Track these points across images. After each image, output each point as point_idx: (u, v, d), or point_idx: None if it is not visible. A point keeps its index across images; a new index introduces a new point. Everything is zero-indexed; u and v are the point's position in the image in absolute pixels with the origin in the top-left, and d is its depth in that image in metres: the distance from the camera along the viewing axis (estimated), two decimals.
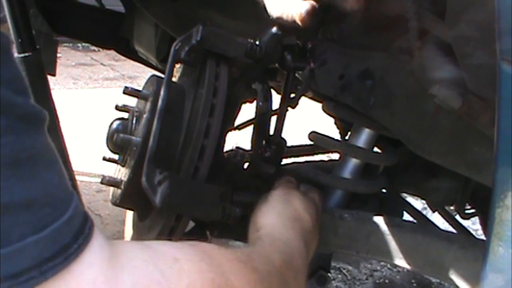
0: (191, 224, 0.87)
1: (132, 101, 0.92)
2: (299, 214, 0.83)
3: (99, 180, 0.85)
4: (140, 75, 4.82)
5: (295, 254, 0.76)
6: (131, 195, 0.83)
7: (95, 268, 0.45)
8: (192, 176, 0.77)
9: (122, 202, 0.85)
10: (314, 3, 0.79)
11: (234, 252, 0.65)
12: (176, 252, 0.54)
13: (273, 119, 0.99)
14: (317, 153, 1.31)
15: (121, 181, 0.85)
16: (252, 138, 0.97)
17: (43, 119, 0.47)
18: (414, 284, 2.40)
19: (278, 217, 0.81)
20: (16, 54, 1.28)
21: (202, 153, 0.77)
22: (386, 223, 0.94)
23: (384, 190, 1.12)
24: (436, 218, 1.31)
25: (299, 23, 0.79)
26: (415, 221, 1.17)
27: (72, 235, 0.45)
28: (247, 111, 1.00)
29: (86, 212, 0.48)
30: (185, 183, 0.76)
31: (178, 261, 0.52)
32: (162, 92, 0.77)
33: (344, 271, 2.39)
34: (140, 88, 0.89)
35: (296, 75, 1.03)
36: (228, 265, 0.59)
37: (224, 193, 0.78)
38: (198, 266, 0.53)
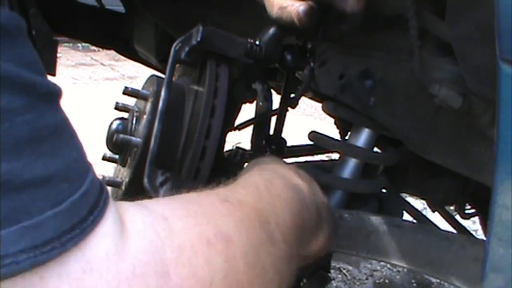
0: None
1: (132, 101, 0.92)
2: (297, 182, 0.77)
3: None
4: (140, 75, 4.82)
5: (291, 182, 0.73)
6: (132, 196, 0.83)
7: (108, 240, 0.47)
8: (194, 177, 0.77)
9: None
10: (313, 4, 0.79)
11: (217, 193, 0.64)
12: (165, 211, 0.54)
13: (273, 119, 0.99)
14: (317, 153, 1.32)
15: (121, 181, 0.85)
16: (252, 138, 0.97)
17: (60, 95, 0.49)
18: (414, 284, 2.40)
19: (257, 171, 0.76)
20: None
21: (203, 154, 0.77)
22: (386, 223, 0.94)
23: (384, 190, 1.12)
24: (436, 218, 1.31)
25: (297, 23, 0.79)
26: (415, 221, 1.17)
27: (88, 208, 0.46)
28: (247, 111, 1.00)
29: (101, 184, 0.50)
30: (186, 184, 0.76)
31: (168, 220, 0.53)
32: (162, 93, 0.77)
33: (344, 271, 2.39)
34: (140, 88, 0.89)
35: (296, 75, 1.03)
36: (214, 212, 0.58)
37: None
38: (185, 223, 0.54)
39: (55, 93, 0.48)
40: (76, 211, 0.45)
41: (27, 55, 0.46)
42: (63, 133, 0.48)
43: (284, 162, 0.82)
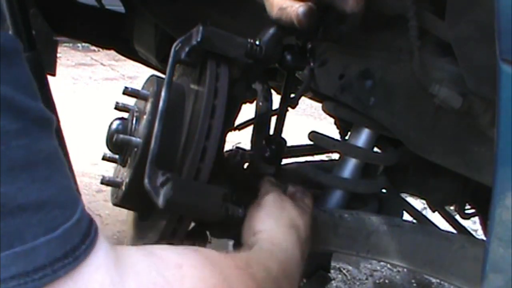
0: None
1: (132, 101, 0.91)
2: (295, 222, 0.83)
3: (99, 180, 0.85)
4: (140, 75, 4.81)
5: (291, 262, 0.77)
6: (132, 196, 0.83)
7: (102, 271, 0.46)
8: (194, 177, 0.77)
9: (123, 202, 0.85)
10: (312, 5, 0.79)
11: (233, 259, 0.66)
12: (179, 259, 0.54)
13: (273, 119, 0.99)
14: (317, 153, 1.31)
15: (122, 181, 0.85)
16: (252, 138, 0.97)
17: (53, 123, 0.49)
18: (414, 284, 2.40)
19: (276, 224, 0.81)
20: None
21: (203, 155, 0.77)
22: (386, 223, 0.94)
23: (384, 190, 1.12)
24: (436, 218, 1.31)
25: (297, 24, 0.79)
26: (415, 221, 1.17)
27: (81, 236, 0.46)
28: (247, 111, 1.00)
29: (90, 216, 0.49)
30: (187, 184, 0.76)
31: (181, 267, 0.52)
32: (163, 93, 0.77)
33: (344, 271, 2.39)
34: (140, 88, 0.89)
35: (296, 75, 1.03)
36: (229, 272, 0.60)
37: (226, 193, 0.78)
38: (200, 273, 0.54)
39: (48, 120, 0.48)
40: (69, 238, 0.45)
41: (23, 77, 0.46)
42: (56, 160, 0.47)
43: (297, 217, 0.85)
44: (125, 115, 0.90)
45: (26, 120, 0.44)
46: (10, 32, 1.30)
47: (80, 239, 0.46)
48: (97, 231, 0.49)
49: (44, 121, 0.47)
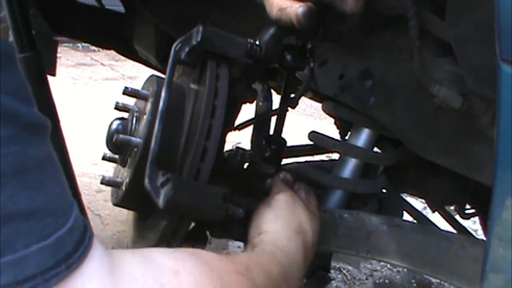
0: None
1: (132, 101, 0.92)
2: (303, 228, 0.82)
3: (99, 180, 0.85)
4: (140, 75, 4.81)
5: (293, 268, 0.76)
6: (132, 196, 0.83)
7: (96, 280, 0.46)
8: (194, 177, 0.77)
9: (123, 202, 0.85)
10: (312, 5, 0.79)
11: (233, 263, 0.65)
12: (176, 265, 0.54)
13: (273, 119, 0.99)
14: (317, 153, 1.31)
15: (122, 181, 0.85)
16: (252, 138, 0.97)
17: (47, 128, 0.48)
18: (414, 284, 2.39)
19: (283, 227, 0.80)
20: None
21: (204, 155, 0.77)
22: (386, 223, 0.94)
23: (384, 190, 1.12)
24: (436, 218, 1.31)
25: (296, 25, 0.79)
26: (415, 221, 1.17)
27: (74, 244, 0.45)
28: (247, 111, 1.00)
29: (85, 222, 0.49)
30: (187, 184, 0.76)
31: (178, 274, 0.52)
32: (163, 94, 0.76)
33: (344, 271, 2.39)
34: (140, 88, 0.89)
35: (296, 75, 1.03)
36: (228, 278, 0.59)
37: (226, 193, 0.78)
38: (198, 279, 0.54)
39: (41, 125, 0.47)
40: (61, 246, 0.44)
41: (14, 82, 0.45)
42: (47, 167, 0.46)
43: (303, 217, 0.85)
44: (125, 115, 0.90)
45: (17, 126, 0.43)
46: (10, 33, 1.30)
47: (73, 247, 0.45)
48: (92, 238, 0.48)
49: (37, 127, 0.46)
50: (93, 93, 4.76)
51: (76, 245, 0.45)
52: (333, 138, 1.05)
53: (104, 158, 0.91)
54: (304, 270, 0.82)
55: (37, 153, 0.45)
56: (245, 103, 0.91)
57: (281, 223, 0.80)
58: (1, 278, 0.41)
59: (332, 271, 2.11)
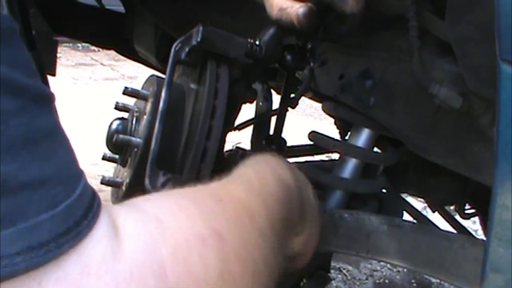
0: None
1: (132, 101, 0.92)
2: (280, 172, 0.77)
3: (99, 180, 0.85)
4: (140, 75, 4.81)
5: (283, 182, 0.73)
6: (132, 196, 0.83)
7: (104, 242, 0.47)
8: (195, 178, 0.77)
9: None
10: (312, 5, 0.80)
11: (208, 186, 0.65)
12: (157, 210, 0.55)
13: (273, 119, 0.99)
14: (317, 153, 1.32)
15: (122, 181, 0.85)
16: (252, 138, 0.97)
17: (53, 99, 0.49)
18: (414, 284, 2.40)
19: (258, 162, 0.77)
20: None
21: (204, 155, 0.77)
22: (386, 223, 0.94)
23: (384, 190, 1.12)
24: (436, 218, 1.31)
25: (297, 25, 0.79)
26: (415, 221, 1.17)
27: (83, 211, 0.47)
28: (247, 111, 1.00)
29: (93, 189, 0.50)
30: (188, 185, 0.76)
31: (161, 221, 0.53)
32: (163, 94, 0.77)
33: (344, 271, 2.39)
34: (140, 88, 0.89)
35: (296, 75, 1.03)
36: (207, 208, 0.59)
37: None
38: (179, 222, 0.54)
39: (47, 96, 0.48)
40: (71, 214, 0.45)
41: (20, 57, 0.46)
42: (57, 137, 0.48)
43: (284, 161, 0.82)
44: (125, 115, 0.90)
45: (24, 98, 0.44)
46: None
47: (82, 214, 0.46)
48: (100, 204, 0.49)
49: (44, 98, 0.47)
50: (93, 93, 4.76)
51: (85, 212, 0.47)
52: (333, 138, 1.05)
53: (104, 158, 0.91)
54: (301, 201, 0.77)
55: (46, 123, 0.46)
56: (245, 103, 0.92)
57: (266, 163, 0.77)
58: (16, 245, 0.42)
59: (332, 271, 2.11)
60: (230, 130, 0.91)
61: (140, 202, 0.57)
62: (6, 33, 0.45)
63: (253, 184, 0.69)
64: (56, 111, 0.49)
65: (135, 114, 0.87)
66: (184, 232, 0.54)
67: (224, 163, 0.88)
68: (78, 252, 0.45)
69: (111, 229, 0.49)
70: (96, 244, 0.47)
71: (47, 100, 0.48)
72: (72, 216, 0.45)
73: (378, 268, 2.46)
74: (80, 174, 0.49)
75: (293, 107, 0.98)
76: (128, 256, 0.48)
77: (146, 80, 0.90)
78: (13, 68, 0.44)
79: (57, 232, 0.44)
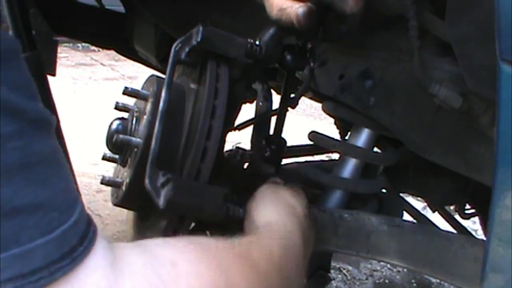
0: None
1: (132, 101, 0.91)
2: (291, 205, 0.82)
3: (99, 180, 0.85)
4: (140, 75, 4.81)
5: (294, 246, 0.75)
6: (132, 196, 0.83)
7: (99, 272, 0.46)
8: (195, 178, 0.77)
9: (123, 202, 0.85)
10: (312, 5, 0.79)
11: (233, 246, 0.65)
12: (173, 255, 0.54)
13: (273, 119, 0.99)
14: (317, 153, 1.31)
15: (122, 181, 0.85)
16: (252, 138, 0.97)
17: (52, 123, 0.48)
18: (414, 284, 2.40)
19: (273, 209, 0.79)
20: None
21: (204, 155, 0.77)
22: (386, 223, 0.94)
23: (384, 190, 1.12)
24: (436, 218, 1.31)
25: (297, 25, 0.79)
26: (415, 221, 1.17)
27: (78, 238, 0.46)
28: (247, 111, 1.00)
29: (89, 215, 0.49)
30: (188, 185, 0.76)
31: (176, 265, 0.52)
32: (163, 94, 0.76)
33: (344, 271, 2.39)
34: (140, 88, 0.89)
35: (296, 75, 1.03)
36: (228, 263, 0.59)
37: (227, 194, 0.78)
38: (196, 269, 0.54)
39: (46, 120, 0.47)
40: (66, 240, 0.45)
41: (20, 78, 0.45)
42: (53, 162, 0.47)
43: (296, 198, 0.84)
44: (125, 115, 0.90)
45: (22, 122, 0.44)
46: (10, 33, 1.30)
47: (77, 241, 0.46)
48: (96, 232, 0.48)
49: (42, 122, 0.47)
50: (93, 93, 4.76)
51: (81, 239, 0.46)
52: (333, 138, 1.05)
53: (104, 158, 0.91)
54: (308, 251, 0.81)
55: (43, 148, 0.46)
56: (245, 103, 0.91)
57: (269, 206, 0.80)
58: (7, 271, 0.41)
59: (332, 271, 2.11)
60: (230, 130, 0.91)
61: (157, 247, 0.55)
62: (7, 54, 0.44)
63: (274, 258, 0.70)
64: (54, 135, 0.48)
65: (135, 114, 0.87)
66: (200, 280, 0.53)
67: (224, 163, 0.88)
68: (70, 281, 0.44)
69: (109, 260, 0.48)
70: (90, 274, 0.46)
71: (46, 124, 0.47)
72: (66, 243, 0.45)
73: (378, 268, 2.46)
74: (76, 200, 0.48)
75: (293, 107, 0.98)
76: None
77: (146, 80, 0.90)
78: (13, 90, 0.43)
79: (51, 258, 0.43)
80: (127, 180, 0.83)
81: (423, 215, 1.20)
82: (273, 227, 0.76)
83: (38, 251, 0.43)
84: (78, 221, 0.46)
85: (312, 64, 0.94)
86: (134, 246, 0.54)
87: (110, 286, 0.46)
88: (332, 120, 1.17)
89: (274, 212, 0.80)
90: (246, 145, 0.98)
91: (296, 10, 0.79)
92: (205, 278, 0.53)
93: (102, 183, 0.86)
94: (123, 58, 1.94)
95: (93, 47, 5.65)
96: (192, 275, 0.52)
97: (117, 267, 0.48)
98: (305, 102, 1.98)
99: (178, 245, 0.58)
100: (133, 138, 0.82)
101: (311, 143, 1.08)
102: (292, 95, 0.99)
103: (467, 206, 1.33)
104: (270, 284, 0.65)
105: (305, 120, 4.27)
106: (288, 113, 0.97)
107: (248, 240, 0.71)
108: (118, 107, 0.89)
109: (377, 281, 2.39)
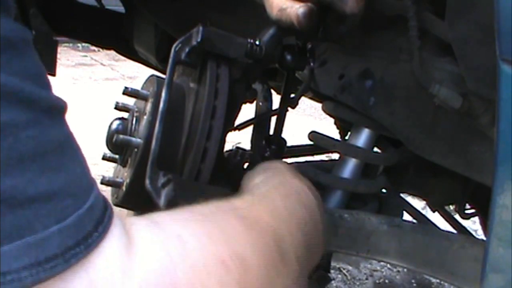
0: None
1: (132, 101, 0.91)
2: (294, 173, 0.79)
3: (99, 180, 0.85)
4: (140, 75, 4.81)
5: (303, 200, 0.73)
6: (132, 196, 0.83)
7: (113, 259, 0.46)
8: (195, 178, 0.77)
9: (123, 202, 0.85)
10: (312, 5, 0.80)
11: (234, 208, 0.64)
12: (179, 228, 0.54)
13: (273, 119, 0.99)
14: (317, 153, 1.31)
15: (122, 181, 0.85)
16: (252, 138, 0.97)
17: (65, 108, 0.48)
18: (414, 284, 2.40)
19: (280, 182, 0.76)
20: None
21: (204, 156, 0.77)
22: (386, 223, 0.94)
23: (384, 190, 1.12)
24: (436, 218, 1.31)
25: (297, 26, 0.79)
26: (415, 221, 1.17)
27: (93, 224, 0.46)
28: (247, 111, 1.00)
29: (105, 200, 0.49)
30: (188, 185, 0.76)
31: (181, 238, 0.52)
32: (163, 94, 0.76)
33: (344, 271, 2.39)
34: (140, 88, 0.89)
35: (296, 75, 1.03)
36: (231, 230, 0.58)
37: (227, 194, 0.78)
38: (200, 242, 0.53)
39: (59, 107, 0.47)
40: (81, 226, 0.45)
41: (32, 68, 0.45)
42: (67, 149, 0.47)
43: (297, 174, 0.81)
44: (125, 115, 0.90)
45: (36, 110, 0.44)
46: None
47: (92, 227, 0.45)
48: (111, 216, 0.48)
49: (56, 109, 0.47)
50: (93, 93, 4.76)
51: (96, 225, 0.46)
52: (333, 138, 1.05)
53: (104, 158, 0.91)
54: (321, 214, 0.76)
55: (57, 135, 0.46)
56: (245, 103, 0.91)
57: (287, 181, 0.76)
58: (22, 259, 0.41)
59: (332, 271, 2.11)
60: (230, 130, 0.91)
61: (162, 218, 0.55)
62: (19, 44, 0.44)
63: (279, 209, 0.68)
64: (66, 121, 0.48)
65: (135, 114, 0.87)
66: (205, 254, 0.52)
67: (225, 163, 0.88)
68: (85, 267, 0.44)
69: (123, 244, 0.48)
70: (104, 260, 0.45)
71: (59, 111, 0.47)
72: (82, 229, 0.45)
73: (378, 268, 2.46)
74: (91, 186, 0.48)
75: (293, 107, 0.98)
76: (139, 276, 0.46)
77: (146, 80, 0.90)
78: (25, 79, 0.44)
79: (66, 245, 0.43)
80: (127, 180, 0.83)
81: (423, 215, 1.20)
82: (275, 184, 0.74)
83: (52, 238, 0.43)
84: (93, 206, 0.46)
85: (312, 64, 0.94)
86: (143, 221, 0.53)
87: (124, 272, 0.46)
88: (332, 120, 1.17)
89: (276, 176, 0.77)
90: (246, 145, 0.98)
91: (296, 10, 0.79)
92: (208, 251, 0.53)
93: (102, 183, 0.86)
94: (123, 58, 1.94)
95: (93, 47, 5.65)
96: (197, 249, 0.52)
97: (130, 250, 0.48)
98: (305, 102, 1.98)
99: (181, 217, 0.58)
100: (133, 138, 0.82)
101: (311, 143, 1.08)
102: (292, 95, 0.99)
103: (467, 206, 1.33)
104: (280, 238, 0.63)
105: (305, 120, 4.27)
106: (288, 113, 0.98)
107: (250, 198, 0.70)
108: (118, 107, 0.89)
109: (377, 281, 2.39)
